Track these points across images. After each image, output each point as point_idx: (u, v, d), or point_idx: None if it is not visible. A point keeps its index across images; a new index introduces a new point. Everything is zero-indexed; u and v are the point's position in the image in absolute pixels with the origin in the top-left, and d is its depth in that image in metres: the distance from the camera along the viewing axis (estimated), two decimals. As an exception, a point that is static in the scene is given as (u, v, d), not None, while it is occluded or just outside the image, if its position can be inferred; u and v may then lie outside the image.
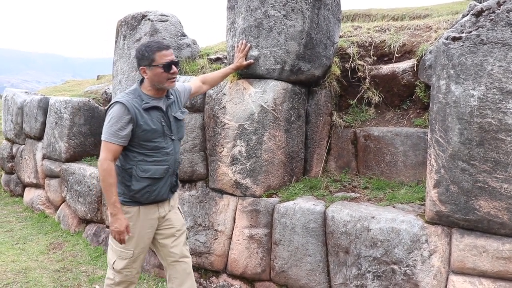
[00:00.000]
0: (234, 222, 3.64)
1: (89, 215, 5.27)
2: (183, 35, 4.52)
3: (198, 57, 4.49)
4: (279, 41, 3.40)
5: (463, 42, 2.57)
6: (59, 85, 12.38)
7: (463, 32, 2.59)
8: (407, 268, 2.84)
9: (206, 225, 3.81)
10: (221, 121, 3.64)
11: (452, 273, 2.76)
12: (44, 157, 6.18)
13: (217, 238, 3.73)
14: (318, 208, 3.16)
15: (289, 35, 3.38)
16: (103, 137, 2.61)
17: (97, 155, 5.76)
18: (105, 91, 6.47)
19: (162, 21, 4.46)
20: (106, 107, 2.73)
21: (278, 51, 3.40)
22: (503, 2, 2.46)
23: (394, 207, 3.12)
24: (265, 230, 3.43)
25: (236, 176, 3.54)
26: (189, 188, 3.97)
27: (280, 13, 3.38)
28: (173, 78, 2.69)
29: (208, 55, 4.50)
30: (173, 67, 2.65)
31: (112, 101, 2.68)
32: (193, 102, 3.86)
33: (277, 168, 3.51)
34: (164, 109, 2.72)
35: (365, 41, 4.11)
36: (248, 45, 3.46)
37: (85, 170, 5.35)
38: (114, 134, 2.57)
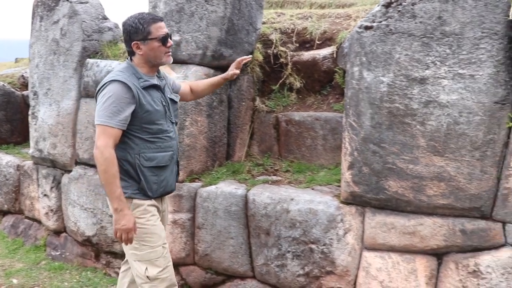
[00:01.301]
0: (158, 207, 3.62)
1: (6, 206, 5.02)
2: (105, 18, 4.37)
3: (120, 41, 4.36)
4: (200, 26, 3.39)
5: (374, 31, 2.70)
6: (-29, 68, 11.55)
7: (374, 22, 2.72)
8: (324, 247, 2.98)
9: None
10: (143, 106, 3.58)
11: (365, 249, 2.94)
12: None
13: (140, 225, 3.70)
14: (240, 192, 3.22)
15: (210, 21, 3.38)
16: (98, 120, 2.28)
17: (14, 143, 5.55)
18: (22, 75, 6.12)
19: (82, 2, 4.28)
20: (97, 89, 2.40)
21: (199, 37, 3.39)
22: (410, -5, 2.61)
23: (313, 189, 3.24)
24: (188, 215, 3.44)
25: (159, 161, 3.52)
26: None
27: (202, -3, 3.37)
28: (170, 52, 2.46)
29: (130, 38, 4.38)
30: (169, 40, 2.42)
31: (105, 80, 2.36)
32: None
33: (199, 153, 3.53)
34: (162, 88, 2.50)
35: (287, 28, 4.18)
36: (249, 58, 3.03)
37: (1, 158, 5.07)
38: (112, 116, 2.25)
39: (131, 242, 2.35)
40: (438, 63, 2.58)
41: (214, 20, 3.39)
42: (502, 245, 2.66)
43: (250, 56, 3.15)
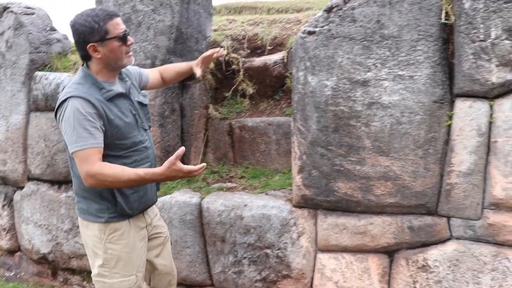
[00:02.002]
0: (113, 220, 3.57)
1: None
2: (53, 29, 4.29)
3: (70, 53, 4.30)
4: (148, 36, 3.38)
5: (317, 36, 2.75)
6: None
7: (317, 27, 2.77)
8: (279, 251, 3.00)
9: (85, 226, 3.69)
10: (94, 118, 3.54)
11: (319, 251, 2.98)
12: None
13: (96, 239, 3.64)
14: (194, 200, 3.21)
15: (158, 30, 3.38)
16: (72, 148, 2.00)
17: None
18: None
19: (27, 14, 4.19)
20: (55, 108, 2.09)
21: (147, 46, 3.39)
22: (349, 0, 2.68)
23: (267, 194, 3.26)
24: (145, 226, 3.41)
25: (112, 173, 3.48)
26: (66, 189, 3.81)
27: (149, 7, 3.36)
28: (131, 51, 2.18)
29: (80, 50, 4.32)
30: (129, 37, 2.13)
31: (60, 98, 2.05)
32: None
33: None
34: (128, 93, 2.23)
35: (239, 35, 4.21)
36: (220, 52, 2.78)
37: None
38: (87, 136, 1.98)
39: (202, 169, 2.02)
40: (378, 65, 2.65)
41: (162, 30, 3.39)
42: (448, 239, 2.74)
43: (222, 48, 2.85)
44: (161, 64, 3.42)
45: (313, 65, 2.74)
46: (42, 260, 3.95)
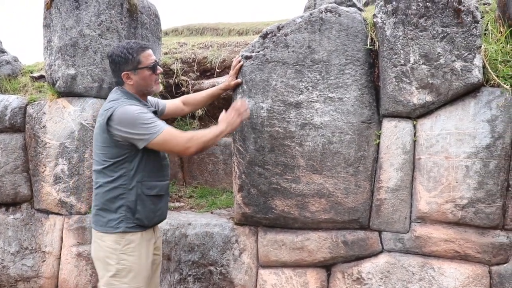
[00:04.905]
0: (62, 241, 3.59)
1: None
2: (2, 51, 4.34)
3: (20, 75, 4.33)
4: (95, 59, 3.45)
5: (253, 60, 2.88)
6: None
7: (253, 52, 2.91)
8: (222, 268, 3.09)
9: (33, 248, 3.69)
10: (42, 141, 3.57)
11: (260, 267, 3.07)
12: None
13: (45, 260, 3.64)
14: (139, 220, 3.26)
15: (105, 54, 3.45)
16: (149, 138, 2.19)
17: None
18: None
19: (-22, 37, 4.23)
20: (104, 121, 2.24)
21: (95, 70, 3.46)
22: (282, 27, 2.83)
23: (212, 212, 3.36)
24: (92, 247, 3.44)
25: (60, 195, 3.51)
26: (13, 211, 3.81)
27: (95, 32, 3.44)
28: (159, 79, 2.42)
29: (31, 72, 4.36)
30: (158, 67, 2.40)
31: (109, 111, 2.23)
32: (12, 122, 3.73)
33: (102, 184, 3.55)
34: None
35: (189, 57, 4.34)
36: (241, 62, 2.91)
37: None
38: (155, 122, 2.20)
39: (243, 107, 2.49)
40: (310, 88, 2.80)
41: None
42: (380, 252, 2.89)
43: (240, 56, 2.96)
44: (109, 87, 3.50)
45: (250, 88, 2.87)
46: (-11, 283, 3.92)
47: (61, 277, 3.60)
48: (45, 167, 3.56)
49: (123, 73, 2.33)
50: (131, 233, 2.31)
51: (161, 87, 2.48)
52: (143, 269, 2.35)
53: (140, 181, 2.30)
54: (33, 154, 3.64)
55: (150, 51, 2.36)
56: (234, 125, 2.48)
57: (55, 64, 3.54)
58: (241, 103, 2.50)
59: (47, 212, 3.65)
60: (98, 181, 2.37)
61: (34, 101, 3.70)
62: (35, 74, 4.30)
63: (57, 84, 3.53)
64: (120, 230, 2.29)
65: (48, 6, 3.60)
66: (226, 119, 2.45)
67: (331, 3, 4.46)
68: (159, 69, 2.41)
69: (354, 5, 4.46)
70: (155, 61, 2.37)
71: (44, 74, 4.32)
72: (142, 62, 2.32)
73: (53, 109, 3.57)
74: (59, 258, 3.61)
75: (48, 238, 3.63)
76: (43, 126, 3.58)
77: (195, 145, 2.25)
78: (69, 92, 3.54)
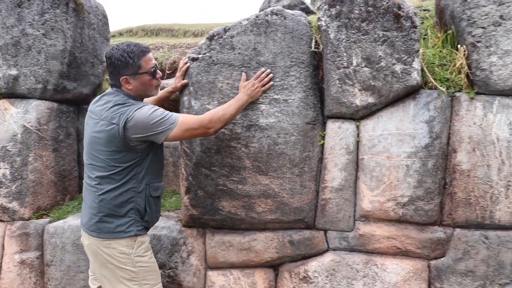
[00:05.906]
0: (4, 249, 3.47)
1: None
2: None
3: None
4: (39, 60, 3.36)
5: (200, 62, 2.88)
6: None
7: (200, 54, 2.90)
8: (170, 270, 3.07)
9: (-26, 256, 3.56)
10: (-17, 144, 3.45)
11: (209, 269, 3.07)
12: None
13: (-13, 268, 3.52)
14: (85, 224, 3.20)
15: (50, 54, 3.37)
16: (167, 130, 2.26)
17: None
18: None
19: None
20: (121, 124, 2.21)
21: (39, 71, 3.37)
22: (228, 29, 2.84)
23: (161, 215, 3.32)
24: (37, 253, 3.34)
25: (2, 200, 3.39)
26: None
27: (39, 31, 3.36)
28: (159, 83, 2.44)
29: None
30: (158, 71, 2.38)
31: (123, 117, 2.21)
32: (-49, 125, 3.58)
33: (47, 188, 3.46)
34: None
35: (139, 59, 4.28)
36: (188, 64, 2.85)
37: None
38: (168, 114, 2.30)
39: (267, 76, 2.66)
40: (256, 90, 2.82)
41: (53, 54, 3.38)
42: (326, 251, 2.95)
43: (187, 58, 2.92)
44: (54, 89, 3.43)
45: (196, 90, 2.87)
46: None
47: (2, 286, 3.48)
48: (-14, 171, 3.44)
49: (122, 78, 2.29)
50: (141, 235, 2.36)
51: (158, 92, 2.55)
52: (156, 266, 2.46)
53: (148, 183, 2.35)
54: (-27, 158, 3.51)
55: (150, 55, 2.33)
56: (256, 96, 2.61)
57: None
58: (264, 72, 2.62)
59: (-12, 219, 3.53)
60: (104, 187, 2.31)
61: (-26, 102, 3.57)
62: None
63: (-2, 85, 3.43)
64: (131, 234, 2.31)
65: (-12, 4, 3.49)
66: (247, 90, 2.56)
67: (284, 6, 4.52)
68: (159, 73, 2.40)
69: (307, 8, 4.52)
70: (155, 65, 2.36)
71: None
72: (143, 67, 2.29)
73: (-6, 111, 3.45)
74: (1, 267, 3.49)
75: (-11, 245, 3.51)
76: (-16, 129, 3.45)
77: (217, 125, 2.39)
78: (11, 94, 3.44)
